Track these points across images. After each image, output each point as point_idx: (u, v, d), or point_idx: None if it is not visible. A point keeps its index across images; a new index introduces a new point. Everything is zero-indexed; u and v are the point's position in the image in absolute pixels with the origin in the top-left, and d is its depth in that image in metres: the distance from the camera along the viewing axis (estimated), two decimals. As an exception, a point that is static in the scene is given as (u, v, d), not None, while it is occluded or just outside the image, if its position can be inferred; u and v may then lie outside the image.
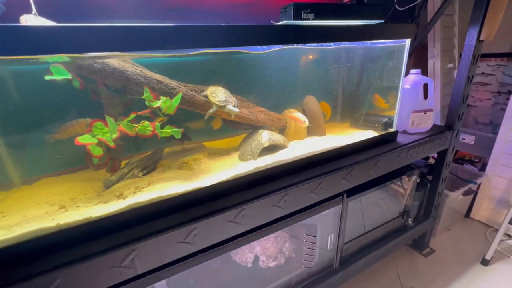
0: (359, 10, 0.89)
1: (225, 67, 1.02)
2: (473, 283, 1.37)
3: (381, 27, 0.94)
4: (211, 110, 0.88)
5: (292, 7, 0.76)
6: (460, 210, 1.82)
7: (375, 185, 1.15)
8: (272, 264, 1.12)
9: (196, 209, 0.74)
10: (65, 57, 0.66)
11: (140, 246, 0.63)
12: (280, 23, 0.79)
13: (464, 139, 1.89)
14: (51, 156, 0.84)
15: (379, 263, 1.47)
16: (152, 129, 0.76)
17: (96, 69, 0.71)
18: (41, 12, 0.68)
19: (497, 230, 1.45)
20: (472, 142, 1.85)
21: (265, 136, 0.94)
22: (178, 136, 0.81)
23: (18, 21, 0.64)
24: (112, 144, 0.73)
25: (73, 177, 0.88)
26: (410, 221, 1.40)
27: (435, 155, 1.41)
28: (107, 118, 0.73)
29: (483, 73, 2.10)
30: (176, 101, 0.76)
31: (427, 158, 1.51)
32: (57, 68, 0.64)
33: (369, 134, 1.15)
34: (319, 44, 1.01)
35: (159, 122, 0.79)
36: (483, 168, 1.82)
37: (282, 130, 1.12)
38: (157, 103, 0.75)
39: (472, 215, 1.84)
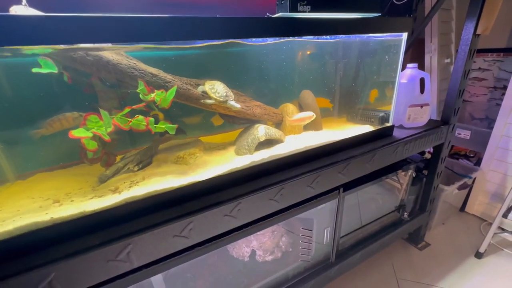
0: (356, 3, 0.88)
1: (219, 61, 1.01)
2: (467, 276, 1.39)
3: (378, 20, 0.93)
4: (208, 101, 0.87)
5: (288, -1, 0.75)
6: (455, 204, 1.84)
7: (372, 179, 1.15)
8: (269, 258, 1.13)
9: (192, 203, 0.74)
10: (54, 48, 0.64)
11: (135, 240, 0.63)
12: (276, 15, 0.78)
13: (460, 134, 1.90)
14: (44, 151, 0.83)
15: (375, 256, 1.49)
16: (146, 123, 0.75)
17: (89, 62, 0.70)
18: (32, 3, 0.67)
19: (491, 224, 1.47)
20: (468, 137, 1.87)
21: (261, 131, 0.94)
22: (173, 132, 0.80)
23: (7, 12, 0.62)
24: (107, 138, 0.73)
25: (67, 172, 0.87)
26: (405, 215, 1.42)
27: (431, 150, 1.42)
28: (102, 111, 0.72)
29: (479, 68, 2.10)
30: (171, 94, 0.76)
31: (423, 153, 1.52)
32: (45, 61, 0.63)
33: (366, 128, 1.15)
34: (315, 37, 1.00)
35: (151, 114, 0.77)
36: (478, 163, 1.83)
37: (278, 125, 1.12)
38: (151, 96, 0.74)
39: (467, 209, 1.86)
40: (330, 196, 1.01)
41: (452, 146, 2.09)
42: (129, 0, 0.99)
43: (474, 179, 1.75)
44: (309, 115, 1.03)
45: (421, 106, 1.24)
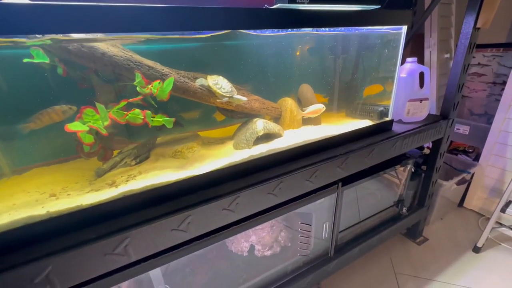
0: (355, -5, 0.87)
1: (216, 54, 1.00)
2: (464, 270, 1.40)
3: (378, 12, 0.92)
4: (225, 100, 0.87)
5: (287, -10, 0.74)
6: (454, 200, 1.85)
7: (370, 174, 1.15)
8: (268, 253, 1.13)
9: (190, 197, 0.73)
10: (46, 40, 0.63)
11: (133, 234, 0.63)
12: (274, 6, 0.77)
13: (459, 129, 1.90)
14: (40, 145, 0.82)
15: (373, 251, 1.49)
16: (143, 117, 0.74)
17: (84, 54, 0.68)
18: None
19: (488, 219, 1.48)
20: (467, 133, 1.87)
21: (260, 125, 0.93)
22: (170, 126, 0.80)
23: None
24: (104, 132, 0.72)
25: (64, 167, 0.86)
26: (404, 210, 1.42)
27: (430, 146, 1.41)
28: (98, 105, 0.71)
29: (479, 63, 2.10)
30: (169, 85, 0.75)
31: (421, 148, 1.52)
32: (37, 51, 0.62)
33: (365, 123, 1.14)
34: (314, 29, 0.99)
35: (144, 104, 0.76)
36: (477, 158, 1.83)
37: (277, 119, 1.11)
38: (148, 87, 0.73)
39: (465, 204, 1.87)
40: (329, 190, 1.01)
41: (451, 141, 2.09)
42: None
43: (473, 174, 1.75)
44: (320, 107, 1.07)
45: (421, 100, 1.23)
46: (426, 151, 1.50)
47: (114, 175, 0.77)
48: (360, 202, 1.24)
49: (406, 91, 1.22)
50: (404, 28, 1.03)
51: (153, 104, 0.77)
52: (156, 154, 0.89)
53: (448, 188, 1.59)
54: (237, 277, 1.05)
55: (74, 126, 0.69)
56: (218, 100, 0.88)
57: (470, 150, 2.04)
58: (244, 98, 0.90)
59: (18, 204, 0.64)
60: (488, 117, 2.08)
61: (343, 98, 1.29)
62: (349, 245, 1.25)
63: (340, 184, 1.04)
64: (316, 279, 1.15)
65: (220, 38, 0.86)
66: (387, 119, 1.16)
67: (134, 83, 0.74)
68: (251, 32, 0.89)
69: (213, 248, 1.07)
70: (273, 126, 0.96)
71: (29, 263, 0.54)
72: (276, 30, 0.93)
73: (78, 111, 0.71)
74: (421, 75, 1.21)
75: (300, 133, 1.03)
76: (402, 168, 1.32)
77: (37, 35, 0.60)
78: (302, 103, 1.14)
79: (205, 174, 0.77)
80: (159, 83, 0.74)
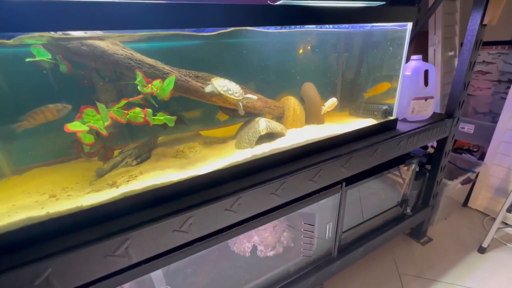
0: (359, -9, 0.85)
1: (218, 52, 0.99)
2: (469, 271, 1.38)
3: (382, 9, 0.91)
4: (241, 104, 0.89)
5: (290, -14, 0.72)
6: (458, 199, 1.83)
7: (374, 173, 1.13)
8: (270, 253, 1.12)
9: (192, 198, 0.72)
10: (44, 37, 0.62)
11: (134, 235, 0.62)
12: (278, 3, 0.75)
13: (464, 128, 1.88)
14: (41, 146, 0.81)
15: (377, 251, 1.48)
16: (144, 115, 0.73)
17: (84, 52, 0.67)
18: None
19: (494, 219, 1.46)
20: (472, 131, 1.84)
21: (262, 124, 0.92)
22: (172, 124, 0.78)
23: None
24: (104, 132, 0.71)
25: (65, 167, 0.86)
26: (408, 210, 1.40)
27: (434, 145, 1.39)
28: (99, 105, 0.70)
29: (483, 61, 2.07)
30: (170, 84, 0.73)
31: (426, 148, 1.50)
32: (38, 49, 0.61)
33: (369, 122, 1.12)
34: (318, 26, 0.98)
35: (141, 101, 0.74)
36: (481, 157, 1.81)
37: (279, 119, 1.10)
38: (149, 86, 0.72)
39: (469, 204, 1.85)
40: (333, 190, 1.00)
41: (456, 140, 2.06)
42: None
43: (478, 173, 1.73)
44: (334, 101, 1.11)
45: (425, 99, 1.21)
46: (431, 150, 1.48)
47: (115, 175, 0.76)
48: (363, 202, 1.23)
49: (411, 89, 1.20)
50: (409, 25, 1.01)
51: (153, 104, 0.76)
52: (157, 154, 0.88)
53: (452, 188, 1.57)
54: (239, 278, 1.04)
55: (74, 126, 0.68)
56: (240, 104, 0.89)
57: (475, 149, 2.02)
58: (255, 97, 0.89)
59: (18, 205, 0.63)
60: (493, 116, 2.05)
61: (346, 96, 1.27)
62: (352, 246, 1.23)
63: (344, 184, 1.02)
64: (319, 280, 1.13)
65: (222, 36, 0.85)
66: (391, 117, 1.14)
67: (135, 82, 0.73)
68: (254, 29, 0.87)
69: (215, 249, 1.06)
70: (275, 125, 0.95)
71: (28, 265, 0.53)
72: (279, 27, 0.92)
73: (76, 110, 0.70)
74: (426, 73, 1.19)
75: (303, 132, 1.02)
76: (406, 168, 1.30)
77: (35, 34, 0.59)
78: (305, 102, 1.12)
79: (207, 174, 0.76)
80: (160, 82, 0.73)
